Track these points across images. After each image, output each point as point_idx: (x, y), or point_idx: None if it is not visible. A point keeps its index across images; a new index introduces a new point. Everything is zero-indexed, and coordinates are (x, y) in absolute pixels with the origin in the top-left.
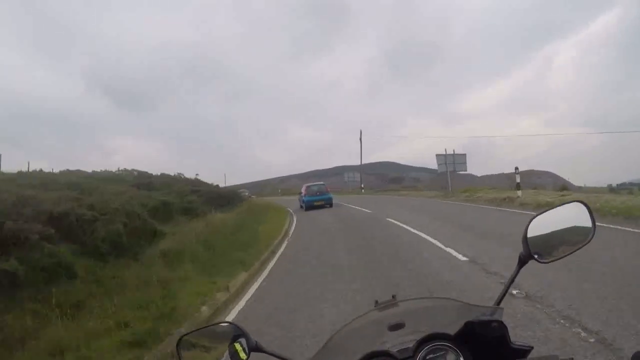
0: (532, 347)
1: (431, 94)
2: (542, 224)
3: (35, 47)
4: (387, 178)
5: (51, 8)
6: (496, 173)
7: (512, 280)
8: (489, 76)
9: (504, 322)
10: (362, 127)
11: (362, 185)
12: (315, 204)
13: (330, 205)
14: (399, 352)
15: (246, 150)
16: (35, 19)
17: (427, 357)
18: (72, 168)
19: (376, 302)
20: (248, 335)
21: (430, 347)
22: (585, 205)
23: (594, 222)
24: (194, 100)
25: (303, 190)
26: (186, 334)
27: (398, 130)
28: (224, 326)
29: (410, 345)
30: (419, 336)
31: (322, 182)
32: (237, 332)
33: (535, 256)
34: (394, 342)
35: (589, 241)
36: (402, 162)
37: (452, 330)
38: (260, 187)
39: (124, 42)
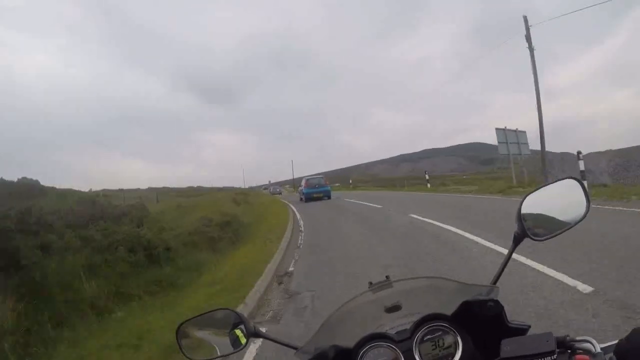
0: (530, 326)
1: (521, 69)
2: (536, 202)
3: (126, 53)
4: (479, 160)
5: (137, 15)
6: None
7: (508, 259)
8: (582, 46)
9: (500, 302)
10: (449, 107)
11: (428, 180)
12: (314, 196)
13: (329, 197)
14: (397, 334)
15: (332, 138)
16: (125, 27)
17: (425, 338)
18: (166, 165)
19: (370, 283)
20: (247, 321)
21: (428, 328)
22: (579, 181)
23: (588, 198)
24: (280, 90)
25: (303, 183)
26: (185, 321)
27: (487, 109)
28: (223, 312)
29: (408, 327)
30: (415, 318)
31: (321, 176)
32: (236, 319)
33: (530, 234)
34: (391, 325)
35: (582, 218)
36: (492, 141)
37: (449, 310)
38: (347, 173)
39: (209, 39)
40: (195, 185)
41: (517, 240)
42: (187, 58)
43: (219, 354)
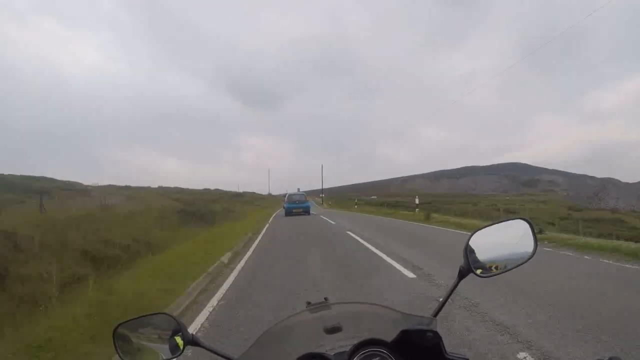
0: (468, 359)
1: (568, 89)
2: (485, 238)
3: (171, 54)
4: (520, 181)
5: (184, 17)
6: None
7: (450, 293)
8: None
9: (439, 333)
10: (489, 125)
11: (417, 205)
12: (294, 211)
13: (308, 213)
14: (335, 355)
15: (370, 149)
16: (172, 29)
17: None
18: (200, 165)
19: (308, 302)
20: (185, 329)
21: (366, 352)
22: (529, 222)
23: (536, 240)
24: (322, 97)
25: (286, 198)
26: (123, 323)
27: (530, 129)
28: (162, 317)
29: (347, 349)
30: (355, 341)
31: (302, 192)
32: (176, 325)
33: (475, 270)
34: (330, 345)
35: (529, 259)
36: (534, 162)
37: (388, 337)
38: (384, 186)
39: (253, 41)
40: (214, 187)
41: (461, 275)
42: (228, 59)
43: (156, 358)
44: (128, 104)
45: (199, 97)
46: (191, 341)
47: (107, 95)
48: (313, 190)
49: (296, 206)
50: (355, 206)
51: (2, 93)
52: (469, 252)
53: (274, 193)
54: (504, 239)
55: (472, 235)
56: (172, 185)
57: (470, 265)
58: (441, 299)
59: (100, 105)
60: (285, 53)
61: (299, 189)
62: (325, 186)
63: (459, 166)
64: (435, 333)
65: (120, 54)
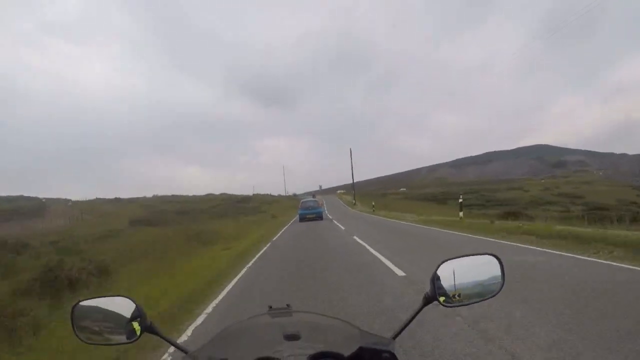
0: None
1: (590, 67)
2: (454, 268)
3: (182, 60)
4: (548, 162)
5: (193, 24)
6: None
7: (412, 317)
8: None
9: (396, 355)
10: (511, 108)
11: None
12: (308, 217)
13: (321, 218)
14: None
15: (391, 141)
16: (178, 33)
17: None
18: (225, 171)
19: (270, 307)
20: (144, 315)
21: None
22: (498, 258)
23: (504, 278)
24: (338, 93)
25: (300, 205)
26: (82, 300)
27: (551, 109)
28: (123, 300)
29: (304, 358)
30: (312, 351)
31: (315, 199)
32: (135, 310)
33: (440, 298)
34: (288, 352)
35: (494, 295)
36: (557, 143)
37: (345, 351)
38: (408, 177)
39: (265, 41)
40: (224, 191)
41: (426, 302)
42: (242, 61)
43: (112, 341)
44: (142, 114)
45: (214, 102)
46: (148, 328)
47: (121, 109)
48: (336, 187)
49: (309, 212)
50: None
51: (15, 116)
52: (435, 280)
53: (296, 192)
54: (471, 272)
55: (440, 264)
56: (170, 193)
57: (435, 292)
58: (402, 322)
59: (115, 118)
60: (300, 48)
61: (320, 186)
62: (345, 181)
63: (481, 152)
64: (392, 354)
65: (132, 66)
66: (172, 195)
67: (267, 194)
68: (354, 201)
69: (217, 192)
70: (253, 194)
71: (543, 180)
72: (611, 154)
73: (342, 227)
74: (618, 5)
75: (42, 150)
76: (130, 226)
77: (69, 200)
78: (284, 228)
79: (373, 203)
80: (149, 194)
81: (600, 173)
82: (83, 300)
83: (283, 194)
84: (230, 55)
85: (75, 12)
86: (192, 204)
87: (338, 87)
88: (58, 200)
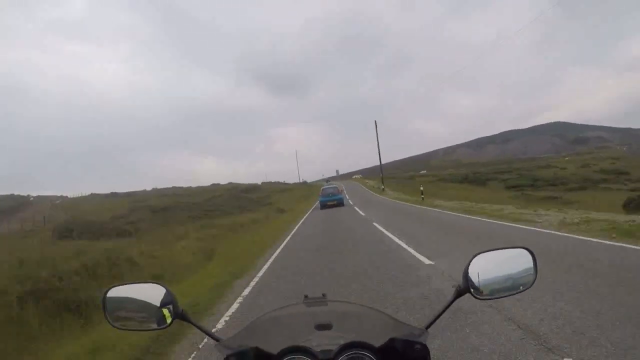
0: None
1: (604, 40)
2: (485, 262)
3: (192, 52)
4: (569, 139)
5: (200, 15)
6: None
7: (445, 308)
8: None
9: (427, 347)
10: (525, 86)
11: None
12: (329, 203)
13: (342, 204)
14: (321, 352)
15: (407, 124)
16: (184, 27)
17: None
18: (239, 161)
19: (305, 296)
20: (176, 302)
21: (352, 354)
22: (531, 252)
23: (536, 271)
24: (351, 78)
25: (320, 192)
26: (114, 286)
27: (565, 85)
28: (155, 286)
29: (333, 347)
30: (343, 341)
31: (335, 185)
32: (167, 296)
33: (472, 291)
34: (318, 342)
35: (527, 288)
36: (576, 120)
37: (376, 342)
38: (425, 159)
39: (274, 27)
40: (236, 181)
41: (458, 294)
42: (252, 50)
43: (142, 327)
44: (154, 109)
45: (226, 93)
46: (180, 315)
47: (134, 104)
48: (353, 172)
49: (330, 199)
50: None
51: (28, 117)
52: (468, 272)
53: (309, 180)
54: (504, 265)
55: (473, 257)
56: (177, 185)
57: (468, 285)
58: (435, 313)
59: (128, 114)
60: (309, 32)
61: (337, 171)
62: (365, 165)
63: (497, 132)
64: (424, 346)
65: (144, 64)
66: (173, 187)
67: (278, 182)
68: (382, 186)
69: (224, 182)
70: (262, 183)
71: (567, 158)
72: (629, 129)
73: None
74: None
75: (56, 150)
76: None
77: (59, 198)
78: (293, 232)
79: (422, 188)
80: (163, 186)
81: (624, 148)
82: (115, 285)
83: (298, 181)
84: (239, 45)
85: (83, 11)
86: (187, 197)
87: (350, 72)
88: (48, 197)
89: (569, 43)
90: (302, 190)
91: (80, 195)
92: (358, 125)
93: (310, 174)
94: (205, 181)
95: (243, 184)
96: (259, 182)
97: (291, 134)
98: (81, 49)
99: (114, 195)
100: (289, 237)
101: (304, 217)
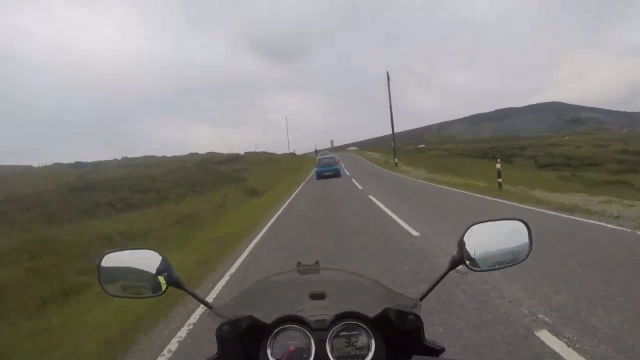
0: (444, 349)
1: (602, 22)
2: (481, 233)
3: (195, 19)
4: (565, 119)
5: None
6: None
7: (439, 279)
8: None
9: (421, 318)
10: (522, 64)
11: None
12: (325, 174)
13: (339, 175)
14: (315, 322)
15: (402, 97)
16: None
17: (341, 334)
18: (233, 130)
19: (298, 263)
20: (171, 269)
21: (346, 324)
22: (526, 225)
23: (531, 243)
24: (349, 49)
25: (317, 162)
26: (109, 252)
27: (561, 65)
28: (150, 253)
29: (327, 317)
30: (336, 311)
31: (332, 155)
32: (162, 264)
33: (467, 262)
34: (311, 312)
35: (521, 261)
36: (571, 101)
37: (370, 312)
38: (419, 134)
39: None
40: (221, 150)
41: (452, 264)
42: (251, 14)
43: (138, 294)
44: (150, 76)
45: (222, 61)
46: (174, 282)
47: (131, 72)
48: (348, 144)
49: (326, 169)
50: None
51: (22, 85)
52: (462, 243)
53: (302, 151)
54: (499, 237)
55: (468, 228)
56: (155, 155)
57: (462, 256)
58: (429, 284)
59: (125, 83)
60: (309, 2)
61: (332, 142)
62: (358, 139)
63: (491, 109)
64: (418, 317)
65: (138, 28)
66: (144, 157)
67: (264, 152)
68: (394, 159)
69: (203, 152)
70: (245, 153)
71: (567, 137)
72: (624, 112)
73: None
74: None
75: (48, 119)
76: None
77: (23, 168)
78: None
79: (499, 167)
80: (161, 154)
81: (624, 130)
82: (109, 251)
83: (288, 152)
84: (238, 9)
85: None
86: (149, 169)
87: (347, 44)
88: (12, 167)
89: (566, 25)
90: (289, 162)
91: (42, 165)
92: (354, 96)
93: (305, 145)
94: (201, 149)
95: (223, 154)
96: (242, 152)
97: (285, 103)
98: (73, 13)
99: (78, 165)
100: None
101: (282, 209)
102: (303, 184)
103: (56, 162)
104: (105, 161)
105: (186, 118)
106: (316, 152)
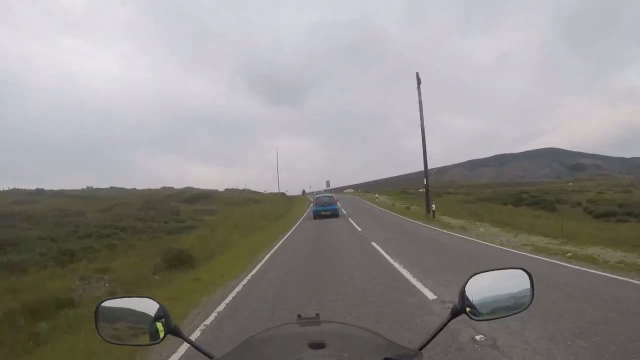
0: None
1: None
2: (482, 282)
3: (192, 59)
4: (567, 165)
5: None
6: None
7: (439, 329)
8: None
9: None
10: (523, 111)
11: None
12: (322, 213)
13: (337, 216)
14: None
15: (396, 141)
16: (186, 31)
17: None
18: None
19: (299, 315)
20: (169, 316)
21: None
22: (528, 273)
23: (533, 293)
24: (348, 90)
25: (314, 200)
26: (106, 300)
27: (556, 112)
28: (147, 301)
29: None
30: None
31: (330, 195)
32: (159, 311)
33: (469, 312)
34: None
35: (523, 310)
36: (569, 147)
37: None
38: (414, 181)
39: (275, 35)
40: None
41: (453, 314)
42: (250, 57)
43: (135, 342)
44: (148, 113)
45: (221, 100)
46: (172, 330)
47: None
48: (344, 187)
49: (324, 209)
50: None
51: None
52: (464, 292)
53: (297, 192)
54: (501, 286)
55: (470, 278)
56: (125, 186)
57: (463, 305)
58: (429, 334)
59: (123, 114)
60: (308, 44)
61: (328, 182)
62: (355, 182)
63: (488, 154)
64: None
65: (141, 64)
66: (110, 188)
67: (248, 190)
68: (431, 207)
69: (180, 187)
70: (225, 189)
71: (571, 184)
72: (622, 158)
73: None
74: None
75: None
76: None
77: None
78: None
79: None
80: (156, 186)
81: (626, 176)
82: (107, 299)
83: (278, 191)
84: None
85: (82, 7)
86: (87, 203)
87: (349, 85)
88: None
89: (562, 71)
90: (274, 205)
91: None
92: (351, 138)
93: (299, 187)
94: (183, 184)
95: (196, 189)
96: (222, 189)
97: (281, 143)
98: (74, 43)
99: (38, 191)
100: None
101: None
102: (284, 239)
103: (16, 187)
104: (66, 189)
105: (180, 153)
106: (304, 193)
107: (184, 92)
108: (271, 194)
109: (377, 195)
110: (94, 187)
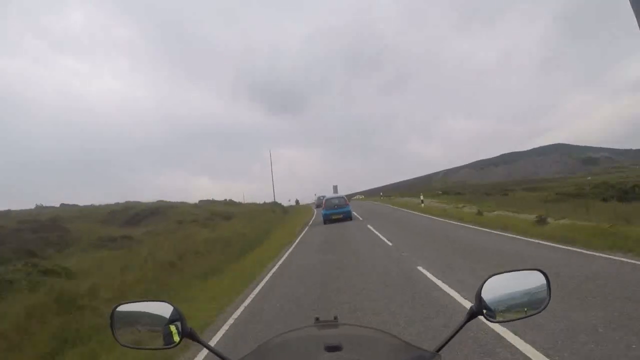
0: None
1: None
2: (499, 284)
3: (193, 73)
4: (578, 160)
5: (201, 36)
6: None
7: (457, 331)
8: None
9: None
10: (527, 108)
11: None
12: (334, 217)
13: (350, 218)
14: None
15: (401, 146)
16: (183, 45)
17: None
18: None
19: (317, 318)
20: (184, 320)
21: None
22: (545, 274)
23: (550, 293)
24: (349, 97)
25: (323, 203)
26: (121, 304)
27: (561, 108)
28: (161, 304)
29: None
30: None
31: (342, 195)
32: (174, 314)
33: (485, 312)
34: None
35: (541, 310)
36: (577, 142)
37: None
38: (422, 184)
39: (273, 44)
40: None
41: (470, 316)
42: (249, 67)
43: (151, 346)
44: (148, 126)
45: (221, 111)
46: (188, 334)
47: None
48: (354, 193)
49: (335, 212)
50: None
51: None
52: (480, 294)
53: (302, 202)
54: (518, 287)
55: (486, 280)
56: (78, 204)
57: (480, 307)
58: (447, 335)
59: (122, 131)
60: (307, 51)
61: (335, 187)
62: (361, 188)
63: (495, 154)
64: None
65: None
66: (60, 207)
67: (231, 200)
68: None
69: (173, 200)
70: (199, 201)
71: (589, 178)
72: (629, 150)
73: None
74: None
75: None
76: None
77: None
78: None
79: None
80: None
81: (638, 167)
82: (123, 303)
83: (273, 200)
84: (236, 62)
85: (80, 26)
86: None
87: (351, 92)
88: None
89: (564, 67)
90: (253, 223)
91: None
92: (353, 148)
93: (304, 195)
94: (195, 197)
95: (145, 203)
96: (197, 201)
97: (285, 154)
98: (74, 62)
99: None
100: None
101: None
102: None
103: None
104: (18, 210)
105: (177, 167)
106: (297, 202)
107: (184, 103)
108: (255, 204)
109: (421, 196)
110: (43, 204)
